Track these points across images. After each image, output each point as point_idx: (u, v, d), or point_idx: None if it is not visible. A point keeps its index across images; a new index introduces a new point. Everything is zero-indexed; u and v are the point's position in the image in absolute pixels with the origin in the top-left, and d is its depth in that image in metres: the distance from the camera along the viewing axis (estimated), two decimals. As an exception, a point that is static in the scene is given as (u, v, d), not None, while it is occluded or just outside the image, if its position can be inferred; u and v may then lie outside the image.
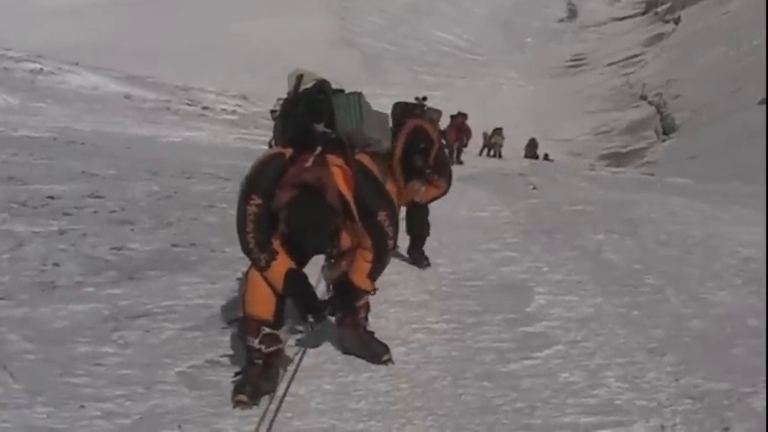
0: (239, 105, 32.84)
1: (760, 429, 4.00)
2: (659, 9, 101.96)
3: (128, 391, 4.22)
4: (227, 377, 4.47)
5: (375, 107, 4.81)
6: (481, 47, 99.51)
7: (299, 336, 4.79)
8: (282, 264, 4.26)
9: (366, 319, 4.99)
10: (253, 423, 3.92)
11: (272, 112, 4.70)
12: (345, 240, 4.50)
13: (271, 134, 4.68)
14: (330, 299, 4.58)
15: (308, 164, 4.22)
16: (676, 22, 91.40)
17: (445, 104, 8.32)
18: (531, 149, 42.37)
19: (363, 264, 4.52)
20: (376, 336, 5.02)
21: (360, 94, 4.60)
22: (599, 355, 5.13)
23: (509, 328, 5.72)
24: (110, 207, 8.85)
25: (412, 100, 7.99)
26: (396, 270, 7.08)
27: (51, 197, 8.86)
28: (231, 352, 4.90)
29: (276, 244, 4.29)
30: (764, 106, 45.52)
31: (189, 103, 29.90)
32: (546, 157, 42.42)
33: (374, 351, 4.92)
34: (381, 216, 4.42)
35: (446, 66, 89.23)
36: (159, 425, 3.90)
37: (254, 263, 4.27)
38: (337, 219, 4.29)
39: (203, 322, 5.48)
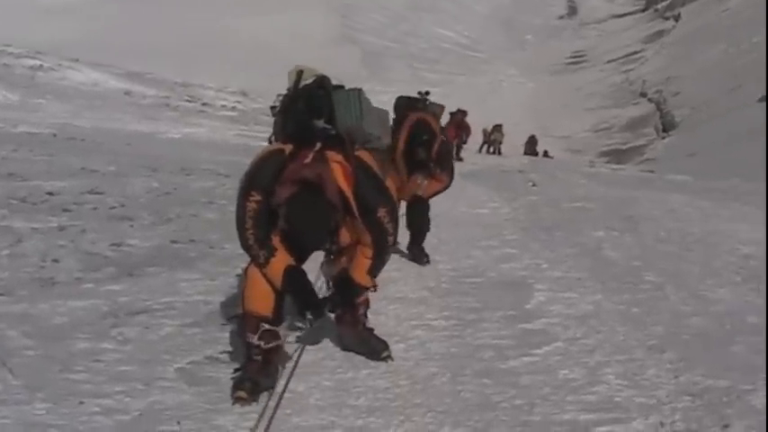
0: (239, 102, 32.82)
1: (759, 426, 4.00)
2: (659, 6, 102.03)
3: (127, 388, 4.22)
4: (226, 374, 4.47)
5: (375, 104, 4.81)
6: (482, 44, 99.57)
7: (298, 332, 4.79)
8: (282, 260, 4.26)
9: (365, 316, 4.99)
10: (252, 419, 3.92)
11: (272, 108, 4.69)
12: (345, 237, 4.50)
13: (270, 130, 4.67)
14: (330, 296, 4.58)
15: (308, 160, 4.22)
16: (676, 19, 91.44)
17: (445, 101, 8.31)
18: (531, 146, 42.34)
19: (363, 260, 4.51)
20: (375, 332, 5.01)
21: (360, 91, 4.59)
22: (598, 352, 5.13)
23: (508, 324, 5.72)
24: (109, 203, 8.85)
25: (412, 96, 7.99)
26: (395, 267, 7.09)
27: (51, 193, 8.85)
28: (230, 348, 4.90)
29: (275, 240, 4.28)
30: (764, 103, 45.52)
31: (188, 99, 29.87)
32: (546, 153, 42.40)
33: (373, 348, 4.92)
34: (381, 212, 4.41)
35: (446, 63, 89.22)
36: (158, 421, 3.90)
37: (254, 259, 4.26)
38: (337, 215, 4.29)
39: (202, 319, 5.47)
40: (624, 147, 59.95)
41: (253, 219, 4.21)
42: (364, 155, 4.49)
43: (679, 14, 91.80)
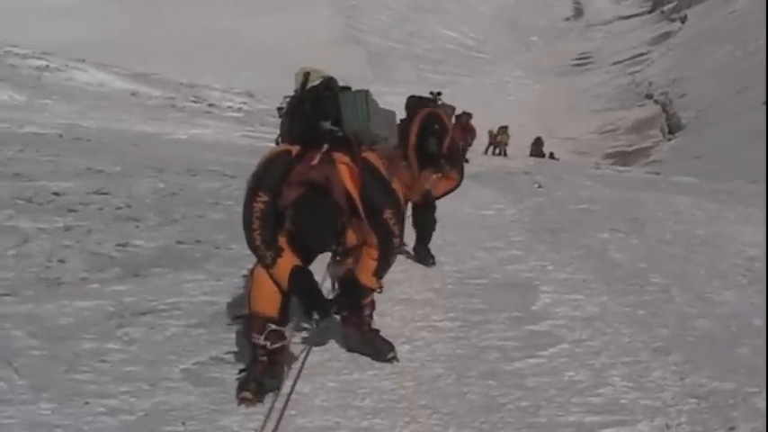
0: (245, 102, 32.89)
1: (765, 429, 3.99)
2: (665, 8, 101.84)
3: (132, 388, 4.22)
4: (231, 374, 4.47)
5: (381, 105, 4.81)
6: (487, 45, 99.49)
7: (304, 333, 4.79)
8: (288, 261, 4.26)
9: (371, 317, 4.99)
10: (257, 420, 3.92)
11: (279, 109, 4.69)
12: (351, 238, 4.50)
13: (277, 131, 4.67)
14: (336, 297, 4.58)
15: (315, 162, 4.22)
16: (683, 20, 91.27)
17: (451, 102, 8.28)
18: (537, 148, 42.35)
19: (369, 262, 4.51)
20: (381, 334, 5.02)
21: (367, 92, 4.58)
22: (604, 354, 5.12)
23: (514, 326, 5.72)
24: (115, 204, 8.86)
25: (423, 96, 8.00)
26: (401, 268, 7.08)
27: (57, 194, 8.86)
28: (236, 349, 4.90)
29: (282, 241, 4.29)
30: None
31: (195, 100, 29.95)
32: (551, 155, 42.36)
33: (379, 349, 4.92)
34: (387, 214, 4.41)
35: (452, 64, 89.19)
36: (163, 421, 3.90)
37: (260, 260, 4.26)
38: (343, 217, 4.29)
39: (208, 319, 5.48)
40: (630, 149, 59.86)
41: (260, 219, 4.21)
42: (371, 156, 4.49)
43: (685, 16, 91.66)
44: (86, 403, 3.98)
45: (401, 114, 6.81)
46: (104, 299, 5.68)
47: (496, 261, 8.00)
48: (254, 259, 4.33)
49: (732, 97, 55.24)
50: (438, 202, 7.90)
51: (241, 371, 4.40)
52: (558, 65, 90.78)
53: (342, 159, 4.30)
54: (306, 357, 4.49)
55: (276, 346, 4.32)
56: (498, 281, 7.20)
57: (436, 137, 7.53)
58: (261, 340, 4.28)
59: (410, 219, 7.52)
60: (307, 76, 4.58)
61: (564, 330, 5.62)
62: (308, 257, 4.46)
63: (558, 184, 17.16)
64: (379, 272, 4.57)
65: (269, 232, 4.24)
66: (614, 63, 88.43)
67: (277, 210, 4.20)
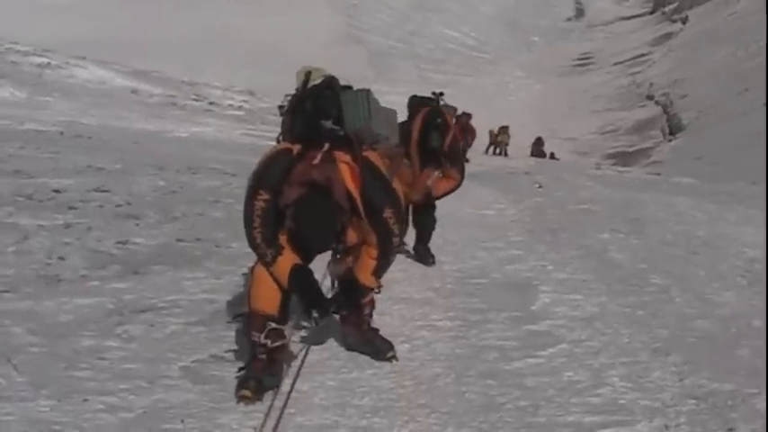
0: (246, 101, 32.88)
1: (764, 430, 3.99)
2: (667, 9, 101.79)
3: (131, 385, 4.23)
4: (230, 372, 4.47)
5: (382, 105, 4.81)
6: (488, 45, 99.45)
7: (304, 332, 4.79)
8: (288, 259, 4.26)
9: (370, 316, 4.99)
10: (256, 418, 3.92)
11: (280, 107, 4.69)
12: (351, 236, 4.50)
13: (278, 130, 4.67)
14: (335, 296, 4.59)
15: (316, 161, 4.22)
16: (684, 21, 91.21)
17: (452, 102, 8.28)
18: (538, 148, 42.36)
19: (368, 261, 4.52)
20: (380, 332, 5.02)
21: (368, 91, 4.58)
22: (603, 354, 5.13)
23: (513, 326, 5.72)
24: (115, 201, 8.85)
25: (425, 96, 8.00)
26: (401, 267, 7.08)
27: (57, 191, 8.86)
28: (235, 347, 4.90)
29: (282, 240, 4.29)
30: (770, 107, 45.42)
31: (195, 98, 29.94)
32: (552, 155, 42.36)
33: (378, 348, 4.92)
34: (387, 213, 4.41)
35: (453, 64, 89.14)
36: (162, 419, 3.90)
37: (261, 258, 4.26)
38: (344, 217, 4.29)
39: (207, 317, 5.48)
40: (631, 149, 59.80)
41: (260, 217, 4.21)
42: (372, 155, 4.49)
43: (686, 17, 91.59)
44: (85, 400, 3.98)
45: (402, 114, 6.80)
46: (104, 296, 5.68)
47: (496, 261, 8.00)
48: (254, 257, 4.33)
49: (733, 98, 55.21)
50: (438, 202, 7.89)
51: (240, 369, 4.40)
52: (559, 65, 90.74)
53: (343, 158, 4.30)
54: (305, 356, 4.49)
55: (276, 344, 4.32)
56: (498, 280, 7.20)
57: (439, 131, 7.53)
58: (261, 338, 4.28)
59: (410, 218, 7.52)
60: (308, 74, 4.58)
61: (563, 330, 5.62)
62: (308, 256, 4.46)
63: (559, 185, 17.16)
64: (378, 271, 4.57)
65: (269, 230, 4.24)
66: (615, 63, 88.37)
67: (278, 208, 4.21)
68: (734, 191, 17.38)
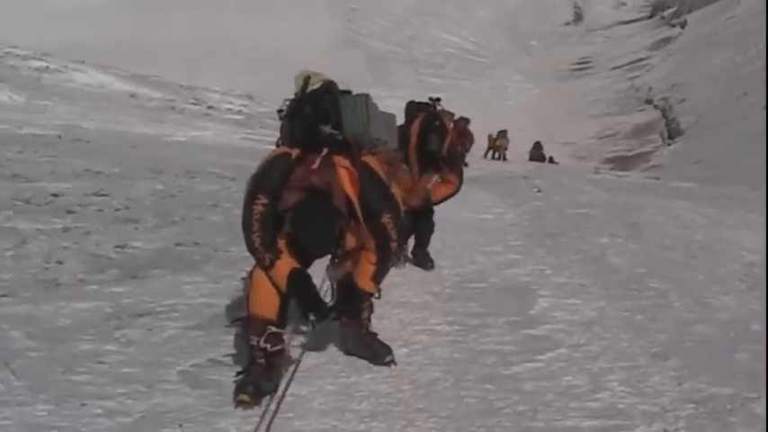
0: (245, 105, 32.95)
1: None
2: (665, 13, 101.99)
3: (129, 390, 4.22)
4: (228, 377, 4.46)
5: (381, 109, 4.81)
6: (487, 49, 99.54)
7: (303, 336, 4.79)
8: (286, 263, 4.26)
9: (369, 320, 4.99)
10: (254, 423, 3.91)
11: (279, 112, 4.69)
12: (350, 241, 4.50)
13: (277, 134, 4.67)
14: (334, 304, 4.58)
15: (315, 166, 4.22)
16: (682, 26, 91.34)
17: (450, 107, 8.28)
18: (536, 152, 42.38)
19: (368, 266, 4.51)
20: (378, 337, 5.01)
21: (367, 96, 4.59)
22: (602, 358, 5.12)
23: (512, 330, 5.71)
24: (114, 205, 8.86)
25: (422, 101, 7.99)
26: (399, 271, 7.09)
27: (55, 195, 8.87)
28: (233, 351, 4.90)
29: (281, 244, 4.29)
30: (768, 112, 45.45)
31: (194, 102, 30.00)
32: (551, 160, 42.39)
33: (376, 352, 4.91)
34: (385, 218, 4.40)
35: (452, 68, 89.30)
36: (160, 423, 3.90)
37: (259, 262, 4.26)
38: (342, 222, 4.29)
39: (206, 321, 5.48)
40: (629, 153, 59.84)
41: (259, 222, 4.21)
42: (371, 160, 4.48)
43: (685, 21, 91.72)
44: (83, 405, 3.98)
45: (401, 118, 6.80)
46: (102, 300, 5.69)
47: (495, 265, 8.00)
48: (252, 262, 4.33)
49: (732, 102, 55.24)
50: (437, 206, 7.88)
51: (238, 373, 4.39)
52: (557, 69, 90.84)
53: (342, 163, 4.29)
54: (300, 360, 4.47)
55: (275, 348, 4.32)
56: (497, 285, 7.20)
57: (437, 135, 7.52)
58: (261, 342, 4.27)
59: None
60: (307, 79, 4.57)
61: (562, 335, 5.61)
62: (306, 260, 4.45)
63: (557, 189, 17.16)
64: (378, 276, 4.56)
65: (268, 235, 4.24)
66: (614, 68, 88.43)
67: (276, 212, 4.20)
68: (733, 195, 17.37)
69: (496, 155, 37.17)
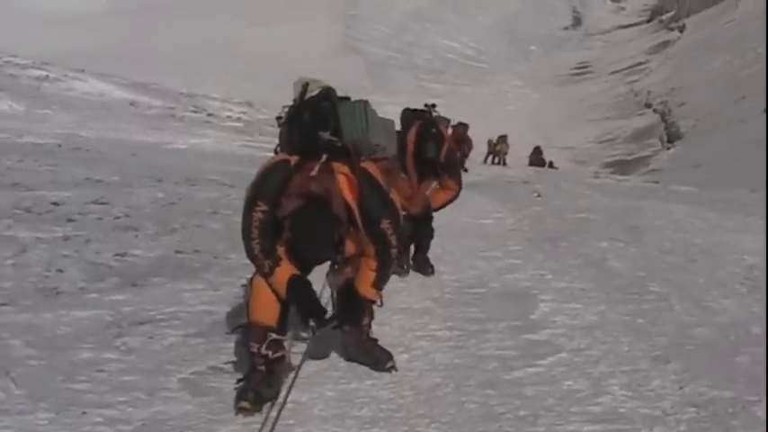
0: (244, 112, 32.95)
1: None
2: (664, 17, 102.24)
3: (130, 398, 4.22)
4: (229, 384, 4.46)
5: (380, 115, 4.81)
6: (486, 55, 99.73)
7: (303, 342, 4.78)
8: (286, 270, 4.26)
9: (369, 326, 4.98)
10: (255, 430, 3.91)
11: (278, 119, 4.69)
12: (350, 247, 4.50)
13: (276, 141, 4.67)
14: (336, 313, 4.58)
15: (314, 172, 4.22)
16: (681, 30, 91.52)
17: (450, 112, 8.32)
18: (536, 157, 42.38)
19: (368, 273, 4.52)
20: (379, 343, 5.01)
21: (366, 102, 4.60)
22: (603, 362, 5.11)
23: (512, 335, 5.71)
24: (114, 213, 8.86)
25: (418, 108, 7.99)
26: (399, 278, 7.08)
27: (56, 203, 8.87)
28: (234, 358, 4.90)
29: (281, 251, 4.29)
30: (768, 115, 45.51)
31: (194, 109, 30.00)
32: (550, 164, 42.40)
33: (377, 358, 4.91)
34: (385, 224, 4.40)
35: (451, 74, 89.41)
36: (161, 431, 3.89)
37: (259, 269, 4.26)
38: (342, 228, 4.29)
39: (206, 329, 5.47)
40: (629, 158, 59.87)
41: (258, 229, 4.21)
42: (370, 166, 4.49)
43: (684, 25, 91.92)
44: (84, 413, 3.98)
45: (398, 125, 6.80)
46: (103, 308, 5.69)
47: (495, 270, 7.99)
48: (252, 269, 4.33)
49: (731, 106, 55.32)
50: (436, 212, 7.87)
51: (239, 380, 4.40)
52: (556, 74, 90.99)
53: (341, 169, 4.30)
54: (300, 367, 4.46)
55: (276, 355, 4.32)
56: (497, 290, 7.19)
57: (434, 142, 7.51)
58: (262, 349, 4.27)
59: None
60: (306, 86, 4.58)
61: (563, 339, 5.61)
62: (306, 267, 4.46)
63: (557, 193, 17.15)
64: (379, 283, 4.57)
65: (268, 241, 4.24)
66: (613, 72, 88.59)
67: (276, 219, 4.21)
68: (732, 198, 17.38)
69: (496, 160, 37.20)
